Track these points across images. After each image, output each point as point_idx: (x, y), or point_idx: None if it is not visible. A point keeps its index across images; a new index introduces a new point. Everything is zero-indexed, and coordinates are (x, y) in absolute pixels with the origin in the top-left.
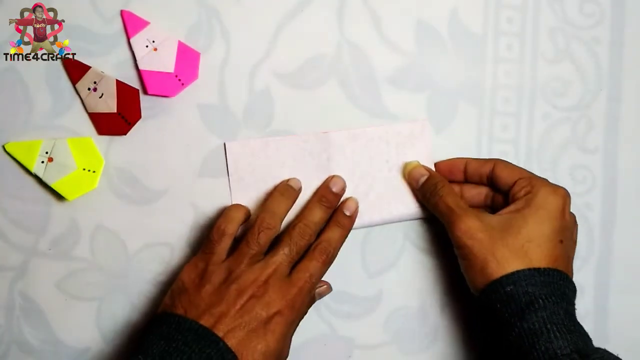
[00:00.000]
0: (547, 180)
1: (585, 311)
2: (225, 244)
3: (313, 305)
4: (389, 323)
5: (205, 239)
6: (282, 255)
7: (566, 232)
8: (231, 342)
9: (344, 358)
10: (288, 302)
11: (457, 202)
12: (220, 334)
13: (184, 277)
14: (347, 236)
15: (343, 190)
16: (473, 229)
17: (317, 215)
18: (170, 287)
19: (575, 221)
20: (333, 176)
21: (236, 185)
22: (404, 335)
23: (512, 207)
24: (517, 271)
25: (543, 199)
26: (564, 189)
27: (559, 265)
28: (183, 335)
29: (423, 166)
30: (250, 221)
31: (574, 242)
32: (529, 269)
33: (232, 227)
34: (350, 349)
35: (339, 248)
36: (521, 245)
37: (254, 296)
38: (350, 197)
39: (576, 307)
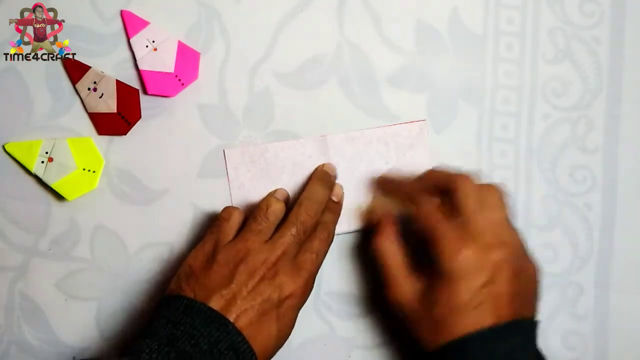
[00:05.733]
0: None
1: (585, 311)
2: (234, 222)
3: (313, 306)
4: (389, 323)
5: (213, 219)
6: (290, 236)
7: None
8: (242, 324)
9: (344, 358)
10: (300, 286)
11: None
12: (231, 316)
13: (190, 260)
14: (337, 221)
15: (336, 174)
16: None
17: (320, 192)
18: (176, 272)
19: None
20: (325, 163)
21: (237, 192)
22: (403, 335)
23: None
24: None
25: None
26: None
27: (485, 320)
28: (191, 318)
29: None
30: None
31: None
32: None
33: (240, 211)
34: (350, 349)
35: (334, 230)
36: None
37: (265, 278)
38: (337, 184)
39: (575, 309)
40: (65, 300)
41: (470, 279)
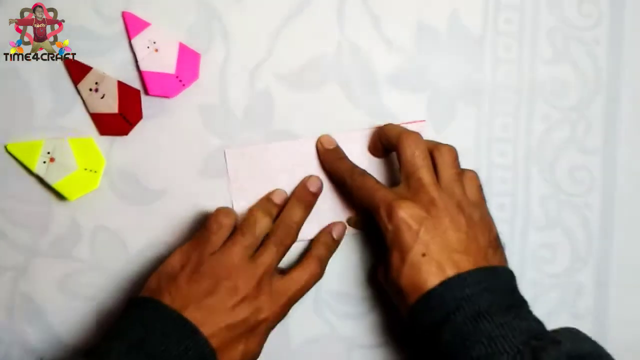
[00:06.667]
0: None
1: (585, 311)
2: (222, 234)
3: (313, 305)
4: (389, 323)
5: (201, 226)
6: (271, 255)
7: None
8: (213, 339)
9: (344, 358)
10: (276, 311)
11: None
12: (204, 329)
13: (173, 262)
14: (330, 256)
15: (320, 189)
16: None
17: (298, 214)
18: (157, 270)
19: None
20: (310, 176)
21: (237, 193)
22: (403, 335)
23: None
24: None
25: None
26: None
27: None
28: (162, 324)
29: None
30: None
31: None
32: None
33: (231, 220)
34: (350, 349)
35: (326, 265)
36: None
37: (245, 299)
38: (339, 222)
39: (575, 309)
40: (66, 300)
41: (411, 238)
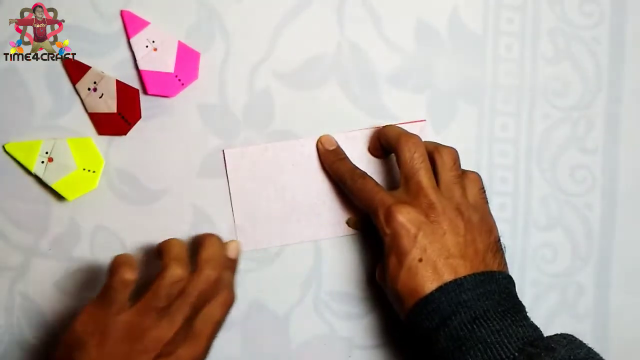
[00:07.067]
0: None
1: (585, 312)
2: (127, 291)
3: (313, 305)
4: (389, 324)
5: (104, 285)
6: (188, 308)
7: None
8: None
9: (344, 358)
10: (199, 352)
11: None
12: None
13: (78, 328)
14: (235, 278)
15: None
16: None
17: (218, 252)
18: (64, 336)
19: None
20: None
21: (236, 192)
22: (403, 335)
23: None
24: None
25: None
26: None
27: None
28: None
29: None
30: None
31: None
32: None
33: (135, 274)
34: (350, 349)
35: (235, 289)
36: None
37: (161, 355)
38: (233, 241)
39: (575, 309)
40: (66, 300)
41: (409, 242)
